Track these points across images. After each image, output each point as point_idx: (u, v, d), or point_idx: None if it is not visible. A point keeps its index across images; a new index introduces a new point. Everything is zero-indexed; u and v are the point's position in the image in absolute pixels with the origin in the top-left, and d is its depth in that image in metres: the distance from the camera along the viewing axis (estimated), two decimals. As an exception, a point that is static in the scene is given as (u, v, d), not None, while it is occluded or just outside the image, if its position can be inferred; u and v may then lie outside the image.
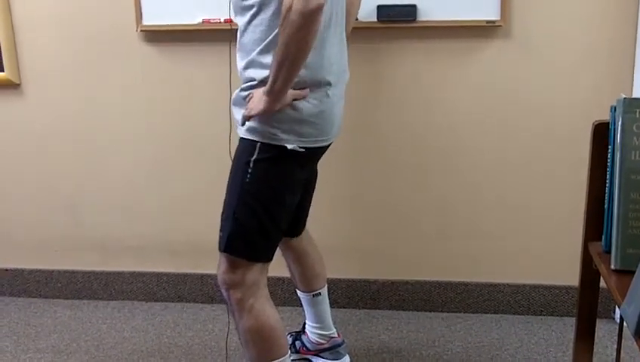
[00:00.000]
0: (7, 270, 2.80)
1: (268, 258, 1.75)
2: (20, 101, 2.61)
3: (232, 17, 1.73)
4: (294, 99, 1.60)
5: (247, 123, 1.65)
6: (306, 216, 2.07)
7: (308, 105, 1.63)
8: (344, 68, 1.78)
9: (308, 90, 1.63)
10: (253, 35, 1.63)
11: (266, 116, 1.61)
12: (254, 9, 1.60)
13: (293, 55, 1.48)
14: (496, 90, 2.36)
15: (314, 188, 2.03)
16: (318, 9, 1.41)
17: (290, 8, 1.42)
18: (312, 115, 1.64)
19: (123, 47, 2.49)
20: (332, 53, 1.68)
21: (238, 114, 1.68)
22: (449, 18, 2.28)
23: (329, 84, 1.66)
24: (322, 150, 1.76)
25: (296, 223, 2.02)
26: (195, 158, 2.56)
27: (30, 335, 2.49)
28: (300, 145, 1.64)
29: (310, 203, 2.05)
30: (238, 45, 1.70)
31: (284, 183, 1.70)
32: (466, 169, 2.45)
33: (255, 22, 1.61)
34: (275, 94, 1.55)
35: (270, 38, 1.58)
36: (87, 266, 2.75)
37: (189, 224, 2.64)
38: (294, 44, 1.46)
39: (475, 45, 2.34)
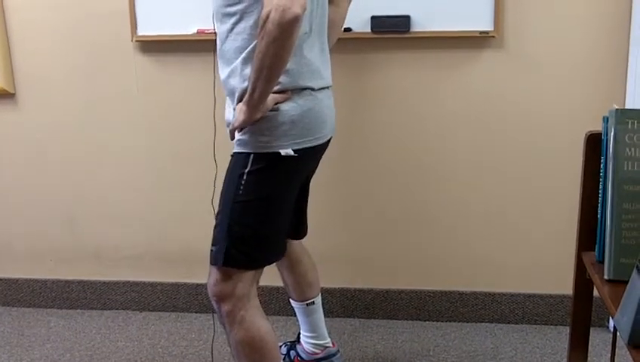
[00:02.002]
0: (1, 279, 2.79)
1: (274, 259, 1.78)
2: (15, 111, 2.61)
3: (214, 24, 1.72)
4: (276, 103, 1.61)
5: (237, 137, 1.65)
6: (306, 215, 2.06)
7: (294, 105, 1.63)
8: (328, 75, 1.79)
9: (290, 92, 1.63)
10: (234, 42, 1.63)
11: (255, 127, 1.61)
12: (236, 16, 1.61)
13: (270, 64, 1.48)
14: (489, 100, 2.37)
15: (308, 188, 2.02)
16: (295, 20, 1.41)
17: (267, 18, 1.42)
18: (300, 114, 1.64)
19: (118, 58, 2.50)
20: (313, 59, 1.68)
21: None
22: (442, 29, 2.29)
23: (312, 88, 1.67)
24: (318, 149, 1.75)
25: (298, 224, 2.01)
26: (190, 168, 2.56)
27: (24, 345, 2.48)
28: (294, 148, 1.64)
29: (307, 203, 2.04)
30: (219, 52, 1.70)
31: (277, 190, 1.69)
32: (459, 179, 2.45)
33: (236, 29, 1.62)
34: (254, 103, 1.55)
35: (252, 46, 1.58)
36: (82, 276, 2.75)
37: (183, 234, 2.63)
38: (271, 54, 1.46)
39: (469, 56, 2.35)
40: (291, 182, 1.74)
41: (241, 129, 1.63)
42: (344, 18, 2.00)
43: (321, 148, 1.77)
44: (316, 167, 1.92)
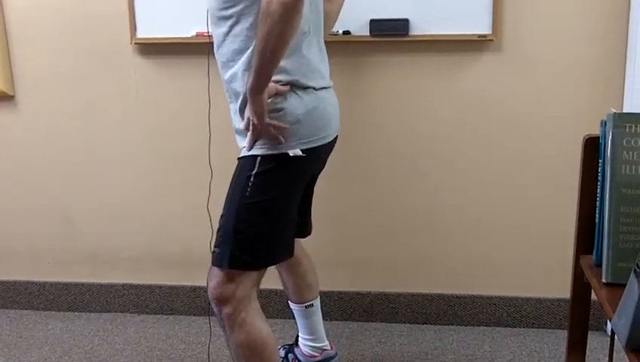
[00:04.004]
0: (-2, 282, 2.80)
1: (280, 259, 1.80)
2: (14, 113, 2.61)
3: (209, 28, 1.72)
4: (277, 93, 1.60)
5: (242, 144, 1.66)
6: (310, 214, 2.05)
7: (299, 103, 1.64)
8: (327, 75, 1.79)
9: (289, 86, 1.63)
10: (232, 45, 1.63)
11: (263, 130, 1.61)
12: (233, 19, 1.61)
13: (274, 46, 1.47)
14: (487, 103, 2.38)
15: (314, 186, 2.02)
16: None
17: (271, 0, 1.42)
18: (305, 113, 1.64)
19: (117, 60, 2.50)
20: (312, 58, 1.68)
21: (242, 142, 1.68)
22: (441, 32, 2.29)
23: (313, 88, 1.67)
24: (324, 149, 1.75)
25: (302, 223, 2.01)
26: (189, 170, 2.56)
27: (22, 347, 2.48)
28: (302, 148, 1.64)
29: (311, 201, 2.04)
30: (217, 56, 1.70)
31: (283, 190, 1.69)
32: (457, 182, 2.46)
33: (233, 32, 1.62)
34: (258, 88, 1.54)
35: (251, 48, 1.58)
36: (80, 278, 2.75)
37: (181, 236, 2.63)
38: (274, 36, 1.45)
39: (467, 59, 2.35)
40: (297, 182, 1.74)
41: (253, 131, 1.62)
42: (338, 12, 2.01)
43: (328, 147, 1.77)
44: (323, 166, 1.91)
